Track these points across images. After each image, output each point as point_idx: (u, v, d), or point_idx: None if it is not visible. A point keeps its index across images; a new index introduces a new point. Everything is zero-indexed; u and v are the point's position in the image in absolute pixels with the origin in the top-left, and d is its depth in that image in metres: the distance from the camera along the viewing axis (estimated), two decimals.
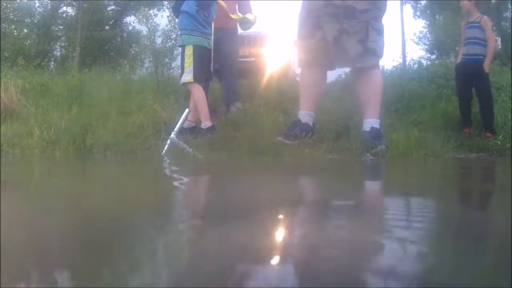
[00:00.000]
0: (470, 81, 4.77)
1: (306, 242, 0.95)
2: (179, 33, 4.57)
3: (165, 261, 0.78)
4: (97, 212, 1.23)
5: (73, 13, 16.66)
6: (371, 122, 3.59)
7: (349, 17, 3.49)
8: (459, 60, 4.99)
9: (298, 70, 4.36)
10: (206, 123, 4.15)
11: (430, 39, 18.52)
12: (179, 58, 4.52)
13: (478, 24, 4.76)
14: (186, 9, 4.25)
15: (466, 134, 4.61)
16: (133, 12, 16.23)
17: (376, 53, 3.63)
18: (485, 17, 4.88)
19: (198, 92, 4.19)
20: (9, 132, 4.24)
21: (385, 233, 1.05)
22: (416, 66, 9.60)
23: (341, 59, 3.59)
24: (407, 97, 5.60)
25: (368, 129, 3.56)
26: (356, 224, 1.15)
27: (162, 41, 11.63)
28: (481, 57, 4.69)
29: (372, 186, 2.08)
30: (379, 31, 3.63)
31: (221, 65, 4.97)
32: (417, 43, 18.94)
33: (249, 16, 4.77)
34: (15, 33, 15.36)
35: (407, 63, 11.40)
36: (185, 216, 1.26)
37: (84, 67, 10.69)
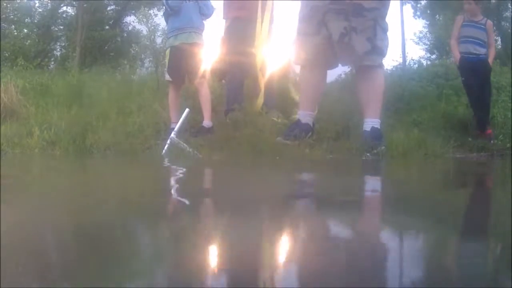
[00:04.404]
0: (476, 78, 4.70)
1: (306, 241, 0.95)
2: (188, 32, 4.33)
3: (164, 259, 0.78)
4: (97, 212, 1.23)
5: (73, 13, 16.62)
6: (371, 122, 3.58)
7: (357, 15, 3.48)
8: (458, 56, 4.78)
9: (298, 70, 4.30)
10: (209, 122, 4.16)
11: (430, 39, 18.45)
12: None
13: (484, 26, 4.76)
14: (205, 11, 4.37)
15: (486, 136, 4.48)
16: (133, 12, 16.19)
17: (382, 52, 3.64)
18: (490, 21, 4.93)
19: (207, 90, 4.29)
20: (9, 132, 4.24)
21: (385, 232, 1.05)
22: (416, 66, 9.58)
23: (346, 57, 3.53)
24: (407, 97, 5.59)
25: (368, 129, 3.54)
26: (354, 224, 1.15)
27: (162, 41, 11.61)
28: (484, 55, 4.68)
29: (372, 186, 2.08)
30: (385, 30, 3.64)
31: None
32: (417, 43, 18.87)
33: None
34: (15, 33, 15.31)
35: (407, 63, 11.36)
36: (185, 216, 1.26)
37: (84, 67, 10.67)
